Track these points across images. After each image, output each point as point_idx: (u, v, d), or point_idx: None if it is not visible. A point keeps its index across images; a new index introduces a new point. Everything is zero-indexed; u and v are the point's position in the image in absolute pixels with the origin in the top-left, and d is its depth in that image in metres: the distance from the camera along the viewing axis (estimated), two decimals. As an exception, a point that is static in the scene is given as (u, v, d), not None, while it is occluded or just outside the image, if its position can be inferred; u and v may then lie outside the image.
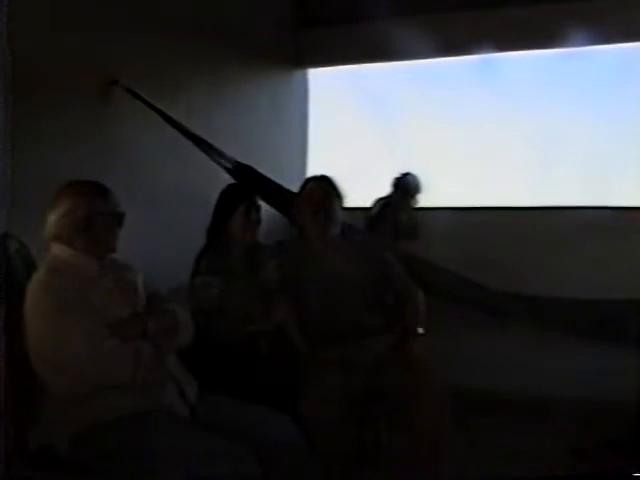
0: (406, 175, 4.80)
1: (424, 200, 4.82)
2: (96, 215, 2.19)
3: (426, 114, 5.09)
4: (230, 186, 3.08)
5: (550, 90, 4.96)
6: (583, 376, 3.70)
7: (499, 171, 4.94)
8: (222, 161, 3.84)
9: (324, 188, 2.94)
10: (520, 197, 4.82)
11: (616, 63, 4.83)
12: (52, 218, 2.18)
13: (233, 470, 1.98)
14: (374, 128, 5.03)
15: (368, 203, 4.83)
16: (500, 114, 5.07)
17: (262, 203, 3.09)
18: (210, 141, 3.85)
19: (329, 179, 2.99)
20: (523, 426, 3.38)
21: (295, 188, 3.15)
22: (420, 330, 2.78)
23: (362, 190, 4.82)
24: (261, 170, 3.92)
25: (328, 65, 5.60)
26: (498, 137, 4.97)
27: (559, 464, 2.91)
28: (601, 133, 4.73)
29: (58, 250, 2.18)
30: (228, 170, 3.81)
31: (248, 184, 3.31)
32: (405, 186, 4.79)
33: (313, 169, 5.41)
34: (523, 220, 4.68)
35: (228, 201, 2.97)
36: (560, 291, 3.94)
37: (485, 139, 5.02)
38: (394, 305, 2.90)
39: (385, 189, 4.85)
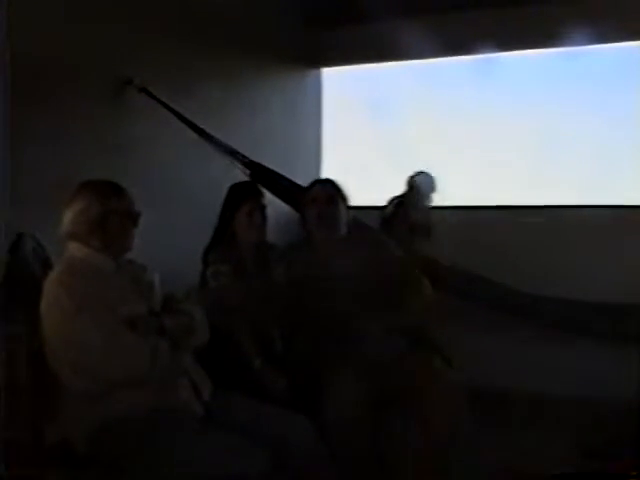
0: (420, 174, 4.79)
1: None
2: (111, 214, 2.20)
3: (438, 113, 5.10)
4: (233, 186, 3.01)
5: (550, 90, 4.97)
6: (583, 375, 3.69)
7: (499, 170, 4.94)
8: (236, 160, 3.85)
9: (328, 192, 2.95)
10: (520, 196, 4.82)
11: (616, 62, 4.83)
12: (68, 216, 2.20)
13: (247, 469, 1.99)
14: (387, 127, 5.03)
15: (382, 202, 4.82)
16: (501, 113, 5.07)
17: (274, 201, 3.07)
18: (224, 140, 3.86)
19: (333, 182, 3.01)
20: (524, 424, 3.38)
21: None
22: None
23: (376, 189, 4.83)
24: (275, 169, 3.93)
25: (341, 65, 5.60)
26: (498, 136, 4.98)
27: (558, 462, 2.91)
28: (601, 132, 4.73)
29: (74, 248, 2.20)
30: (244, 167, 3.83)
31: (252, 184, 3.27)
32: (419, 185, 4.78)
33: (327, 168, 5.42)
34: (523, 219, 4.68)
35: (231, 201, 2.94)
36: (560, 290, 3.93)
37: (485, 138, 5.03)
38: (403, 302, 2.88)
39: (399, 188, 4.84)
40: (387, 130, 5.02)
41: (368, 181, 4.64)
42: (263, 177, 3.80)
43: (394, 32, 4.59)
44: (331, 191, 2.96)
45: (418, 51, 4.65)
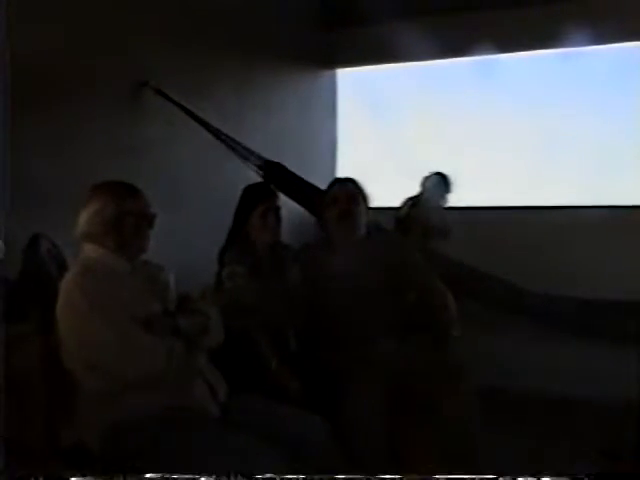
0: (435, 174, 4.77)
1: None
2: (126, 215, 2.20)
3: (446, 114, 5.13)
4: (248, 187, 3.01)
5: (550, 90, 4.99)
6: (583, 375, 3.67)
7: (500, 171, 4.95)
8: (252, 160, 3.85)
9: (349, 191, 2.91)
10: (520, 196, 4.82)
11: (616, 63, 4.83)
12: (83, 217, 2.20)
13: (263, 469, 1.98)
14: (401, 128, 5.04)
15: (396, 202, 4.82)
16: (503, 114, 5.08)
17: (288, 202, 3.06)
18: (239, 141, 3.87)
19: (354, 181, 2.97)
20: (523, 424, 3.36)
21: (324, 187, 3.15)
22: (454, 332, 2.77)
23: (391, 189, 4.83)
24: (291, 170, 3.93)
25: (356, 65, 5.61)
26: (499, 137, 4.99)
27: (558, 462, 2.89)
28: (601, 133, 4.73)
29: (89, 250, 2.20)
30: (258, 169, 3.83)
31: (267, 185, 3.27)
32: (434, 185, 4.76)
33: (342, 168, 5.43)
34: (523, 219, 4.68)
35: (246, 203, 2.93)
36: (560, 290, 3.92)
37: (489, 138, 5.04)
38: (421, 305, 2.87)
39: (413, 188, 4.83)
40: (397, 131, 5.03)
41: (381, 182, 4.65)
42: (278, 178, 3.80)
43: (404, 34, 4.61)
44: (352, 190, 2.93)
45: (426, 53, 4.67)
